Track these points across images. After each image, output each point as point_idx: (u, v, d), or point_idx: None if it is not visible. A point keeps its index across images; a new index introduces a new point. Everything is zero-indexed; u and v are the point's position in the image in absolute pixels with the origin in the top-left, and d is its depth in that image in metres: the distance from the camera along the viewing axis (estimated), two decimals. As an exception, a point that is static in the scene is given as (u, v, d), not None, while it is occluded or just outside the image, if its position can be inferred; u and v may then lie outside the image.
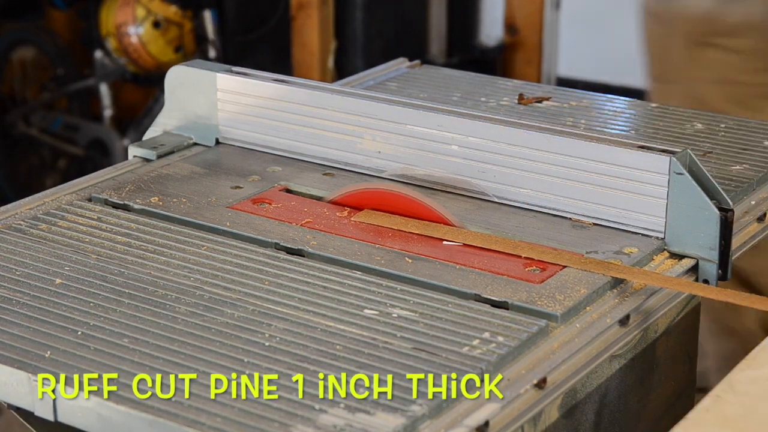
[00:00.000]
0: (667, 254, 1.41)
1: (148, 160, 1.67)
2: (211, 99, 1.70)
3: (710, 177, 1.40)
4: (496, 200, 1.52)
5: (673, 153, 1.40)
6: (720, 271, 1.39)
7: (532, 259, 1.37)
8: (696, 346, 1.56)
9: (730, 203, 1.38)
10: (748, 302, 1.29)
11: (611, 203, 1.45)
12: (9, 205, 1.53)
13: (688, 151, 1.40)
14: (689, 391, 1.56)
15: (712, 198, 1.38)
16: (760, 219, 1.52)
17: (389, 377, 1.14)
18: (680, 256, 1.41)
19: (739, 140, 1.72)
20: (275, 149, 1.68)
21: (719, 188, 1.39)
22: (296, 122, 1.66)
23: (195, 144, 1.72)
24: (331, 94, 1.63)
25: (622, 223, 1.44)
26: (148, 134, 1.75)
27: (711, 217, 1.38)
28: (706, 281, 1.39)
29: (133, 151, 1.69)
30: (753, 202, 1.55)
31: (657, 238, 1.42)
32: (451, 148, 1.55)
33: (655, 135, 1.74)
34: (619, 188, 1.44)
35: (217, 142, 1.72)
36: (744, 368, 1.15)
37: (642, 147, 1.43)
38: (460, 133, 1.54)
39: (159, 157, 1.67)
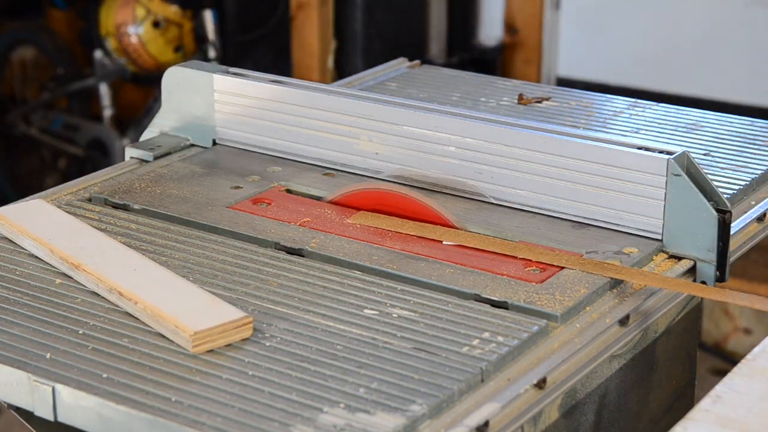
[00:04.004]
0: (666, 255, 1.41)
1: (145, 161, 1.67)
2: (208, 100, 1.70)
3: (708, 179, 1.39)
4: (493, 201, 1.52)
5: (670, 154, 1.40)
6: (718, 273, 1.39)
7: (531, 260, 1.37)
8: (696, 346, 1.56)
9: (728, 205, 1.38)
10: (748, 302, 1.29)
11: (609, 204, 1.44)
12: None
13: (686, 152, 1.40)
14: (689, 391, 1.56)
15: (710, 199, 1.38)
16: (760, 219, 1.52)
17: (389, 377, 1.14)
18: (678, 258, 1.41)
19: (740, 140, 1.72)
20: (272, 150, 1.68)
21: (717, 190, 1.39)
22: (293, 123, 1.66)
23: (192, 145, 1.72)
24: (328, 95, 1.63)
25: (620, 225, 1.44)
26: (145, 135, 1.75)
27: (709, 219, 1.37)
28: (704, 283, 1.39)
29: (130, 152, 1.69)
30: (753, 202, 1.55)
31: (655, 239, 1.42)
32: (448, 149, 1.55)
33: (655, 135, 1.74)
34: (617, 189, 1.44)
35: (214, 143, 1.72)
36: (744, 368, 1.15)
37: (640, 148, 1.43)
38: (456, 134, 1.54)
39: (156, 158, 1.67)
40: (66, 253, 1.34)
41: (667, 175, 1.39)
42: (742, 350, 3.23)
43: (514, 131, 1.50)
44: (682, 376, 1.53)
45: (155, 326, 1.22)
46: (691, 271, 1.39)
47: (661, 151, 1.41)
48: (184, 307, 1.22)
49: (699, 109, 1.85)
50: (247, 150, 1.69)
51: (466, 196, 1.54)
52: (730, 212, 1.37)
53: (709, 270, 1.39)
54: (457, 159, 1.54)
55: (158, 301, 1.23)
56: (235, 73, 1.71)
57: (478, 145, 1.52)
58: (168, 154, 1.69)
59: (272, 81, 1.68)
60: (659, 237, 1.41)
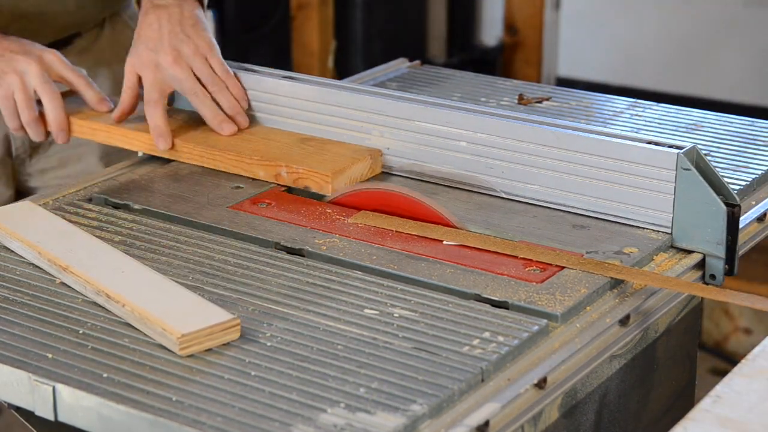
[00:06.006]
0: (668, 254, 1.41)
1: (156, 157, 1.67)
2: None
3: (717, 173, 1.40)
4: (504, 196, 1.53)
5: (680, 149, 1.41)
6: (727, 266, 1.40)
7: (531, 259, 1.37)
8: (696, 346, 1.56)
9: (737, 199, 1.39)
10: (748, 302, 1.29)
11: (618, 199, 1.45)
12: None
13: (696, 146, 1.41)
14: (689, 391, 1.56)
15: (719, 193, 1.39)
16: (760, 219, 1.52)
17: (390, 377, 1.14)
18: (687, 252, 1.41)
19: (740, 140, 1.71)
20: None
21: (726, 184, 1.40)
22: (305, 119, 1.67)
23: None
24: (340, 91, 1.64)
25: (630, 219, 1.45)
26: None
27: (718, 213, 1.38)
28: (713, 276, 1.40)
29: None
30: (753, 202, 1.55)
31: (664, 233, 1.42)
32: (459, 144, 1.55)
33: (655, 136, 1.73)
34: (627, 184, 1.45)
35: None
36: (744, 368, 1.15)
37: (649, 143, 1.44)
38: (468, 130, 1.54)
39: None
40: (54, 255, 1.34)
41: (676, 170, 1.40)
42: (742, 350, 3.23)
43: (526, 126, 1.51)
44: (682, 376, 1.53)
45: (143, 328, 1.22)
46: (700, 266, 1.40)
47: (670, 146, 1.42)
48: (171, 309, 1.22)
49: (699, 109, 1.85)
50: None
51: (477, 191, 1.55)
52: (738, 206, 1.38)
53: (718, 264, 1.40)
54: (469, 154, 1.55)
55: (145, 303, 1.23)
56: (247, 69, 1.71)
57: (489, 140, 1.53)
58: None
59: (285, 77, 1.69)
60: (669, 231, 1.42)
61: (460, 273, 1.34)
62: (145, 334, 1.22)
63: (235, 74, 1.68)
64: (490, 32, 4.04)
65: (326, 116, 1.65)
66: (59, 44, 1.81)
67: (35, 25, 1.73)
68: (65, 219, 1.47)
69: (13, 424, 1.78)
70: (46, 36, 1.73)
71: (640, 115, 1.81)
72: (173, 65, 1.64)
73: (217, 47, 1.69)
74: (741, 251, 1.46)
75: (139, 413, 1.09)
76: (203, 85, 1.66)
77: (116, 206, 1.53)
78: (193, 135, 1.66)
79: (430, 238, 1.42)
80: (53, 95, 1.65)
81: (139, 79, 1.67)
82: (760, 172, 1.60)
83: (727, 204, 1.39)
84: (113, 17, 1.94)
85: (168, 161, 1.66)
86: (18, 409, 1.20)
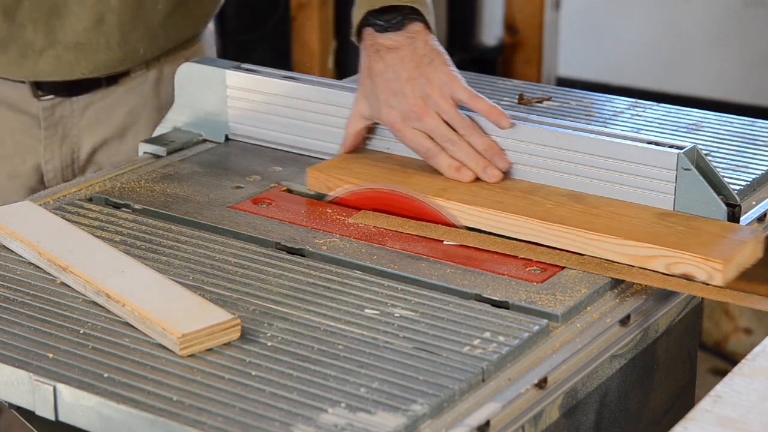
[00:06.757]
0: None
1: (158, 157, 1.67)
2: (221, 96, 1.71)
3: (717, 173, 1.41)
4: None
5: (680, 149, 1.41)
6: None
7: (531, 259, 1.37)
8: (696, 346, 1.56)
9: (737, 199, 1.39)
10: (748, 302, 1.29)
11: (619, 198, 1.45)
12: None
13: (696, 146, 1.41)
14: (689, 391, 1.56)
15: (719, 193, 1.39)
16: (760, 219, 1.52)
17: (390, 377, 1.14)
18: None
19: (740, 140, 1.72)
20: (284, 146, 1.68)
21: (726, 184, 1.40)
22: (305, 119, 1.67)
23: (205, 140, 1.73)
24: (341, 91, 1.64)
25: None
26: (158, 131, 1.75)
27: (718, 213, 1.39)
28: None
29: (144, 147, 1.69)
30: (753, 203, 1.55)
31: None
32: None
33: (655, 135, 1.73)
34: (627, 184, 1.45)
35: (227, 138, 1.72)
36: (744, 368, 1.15)
37: (650, 143, 1.44)
38: None
39: (169, 153, 1.68)
40: (54, 255, 1.34)
41: (677, 170, 1.40)
42: (742, 350, 3.23)
43: (526, 126, 1.50)
44: (682, 376, 1.53)
45: (143, 328, 1.22)
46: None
47: (670, 146, 1.42)
48: (171, 309, 1.22)
49: (699, 109, 1.85)
50: (259, 145, 1.70)
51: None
52: (739, 206, 1.39)
53: None
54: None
55: (146, 303, 1.23)
56: (247, 69, 1.71)
57: (490, 140, 1.53)
58: (181, 149, 1.69)
59: (285, 77, 1.69)
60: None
61: (460, 273, 1.34)
62: (145, 334, 1.22)
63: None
64: (490, 32, 4.05)
65: (327, 116, 1.65)
66: (99, 82, 1.78)
67: (70, 55, 1.70)
68: (65, 219, 1.47)
69: (13, 424, 1.78)
70: (82, 70, 1.70)
71: (640, 115, 1.81)
72: (423, 116, 1.50)
73: (460, 77, 1.53)
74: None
75: (140, 413, 1.09)
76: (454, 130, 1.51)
77: (116, 206, 1.53)
78: (513, 202, 1.46)
79: (430, 238, 1.43)
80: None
81: (367, 130, 1.59)
82: (760, 172, 1.60)
83: (727, 204, 1.39)
84: (169, 56, 1.84)
85: (168, 162, 1.66)
86: (18, 408, 1.20)
